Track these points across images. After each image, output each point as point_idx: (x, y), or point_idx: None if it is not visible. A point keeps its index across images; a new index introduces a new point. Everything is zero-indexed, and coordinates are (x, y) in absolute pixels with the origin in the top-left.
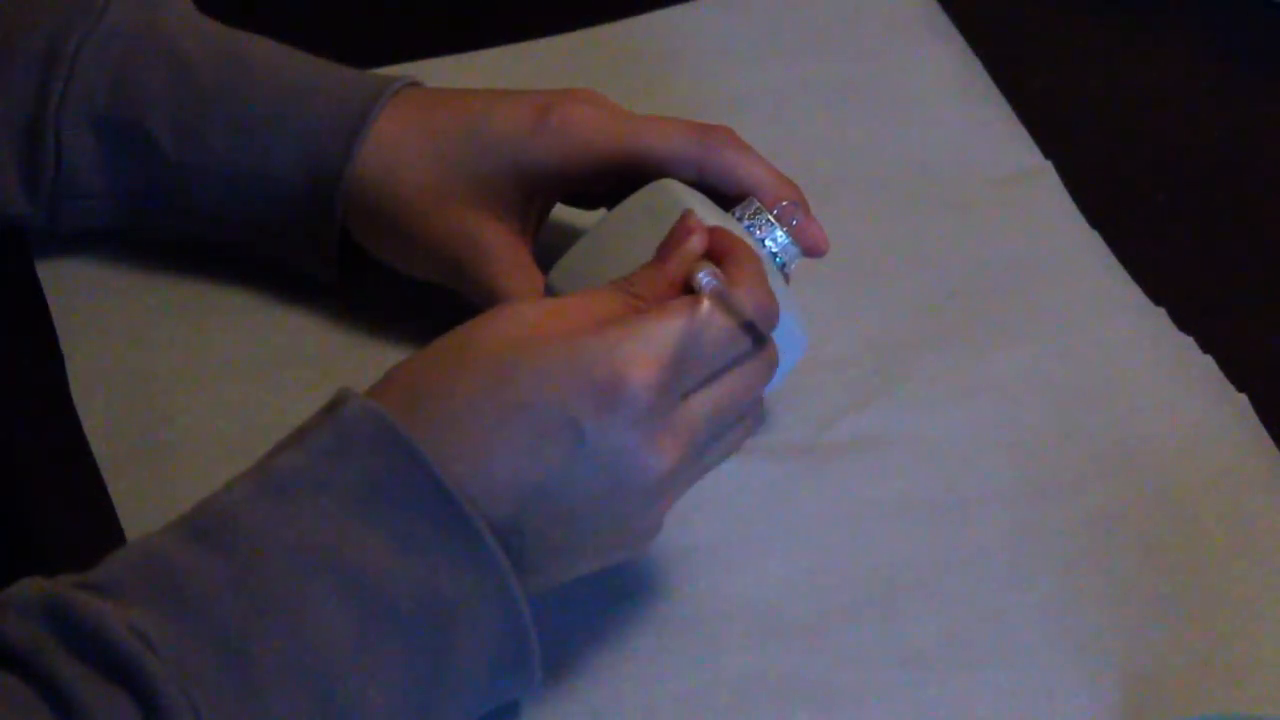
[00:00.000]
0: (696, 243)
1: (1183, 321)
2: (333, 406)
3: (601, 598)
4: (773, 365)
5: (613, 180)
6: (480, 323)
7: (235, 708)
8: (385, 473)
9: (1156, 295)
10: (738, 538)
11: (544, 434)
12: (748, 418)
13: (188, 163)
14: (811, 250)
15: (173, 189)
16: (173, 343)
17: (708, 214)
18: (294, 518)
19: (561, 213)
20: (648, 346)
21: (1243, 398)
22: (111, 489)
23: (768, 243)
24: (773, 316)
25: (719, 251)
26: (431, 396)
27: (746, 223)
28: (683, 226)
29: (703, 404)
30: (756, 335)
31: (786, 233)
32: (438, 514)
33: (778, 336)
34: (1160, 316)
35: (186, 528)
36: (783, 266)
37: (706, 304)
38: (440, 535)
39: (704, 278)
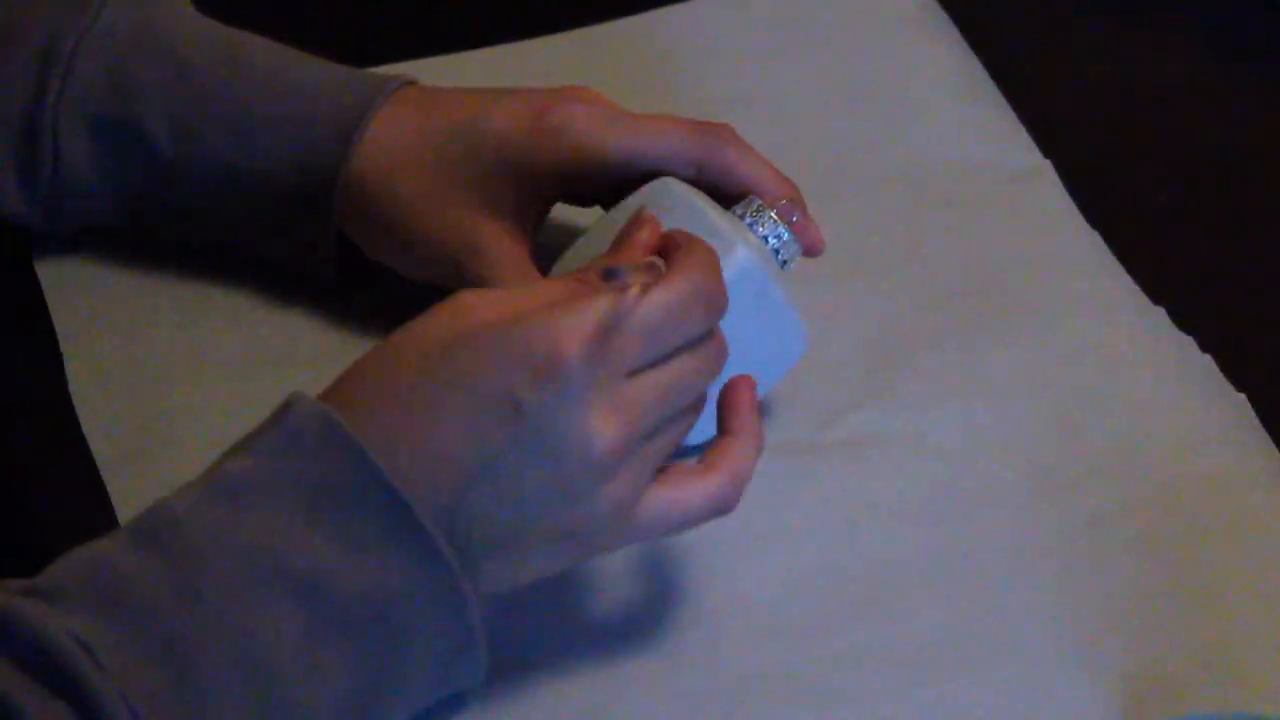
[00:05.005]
0: (648, 234)
1: (1183, 321)
2: (282, 410)
3: (601, 597)
4: (722, 356)
5: (611, 179)
6: (427, 315)
7: (177, 714)
8: (333, 474)
9: (1156, 295)
10: (737, 537)
11: (483, 410)
12: (691, 413)
13: (184, 161)
14: (809, 249)
15: (170, 188)
16: (173, 342)
17: (709, 210)
18: (241, 521)
19: (561, 212)
20: (582, 320)
21: (1242, 398)
22: (111, 489)
23: (770, 239)
24: (718, 303)
25: (672, 246)
26: (376, 388)
27: (748, 220)
28: (636, 220)
29: (647, 384)
30: (610, 276)
31: (787, 229)
32: (386, 515)
33: (778, 335)
34: (1160, 316)
35: (133, 533)
36: (784, 263)
37: (634, 286)
38: (389, 536)
39: (618, 269)
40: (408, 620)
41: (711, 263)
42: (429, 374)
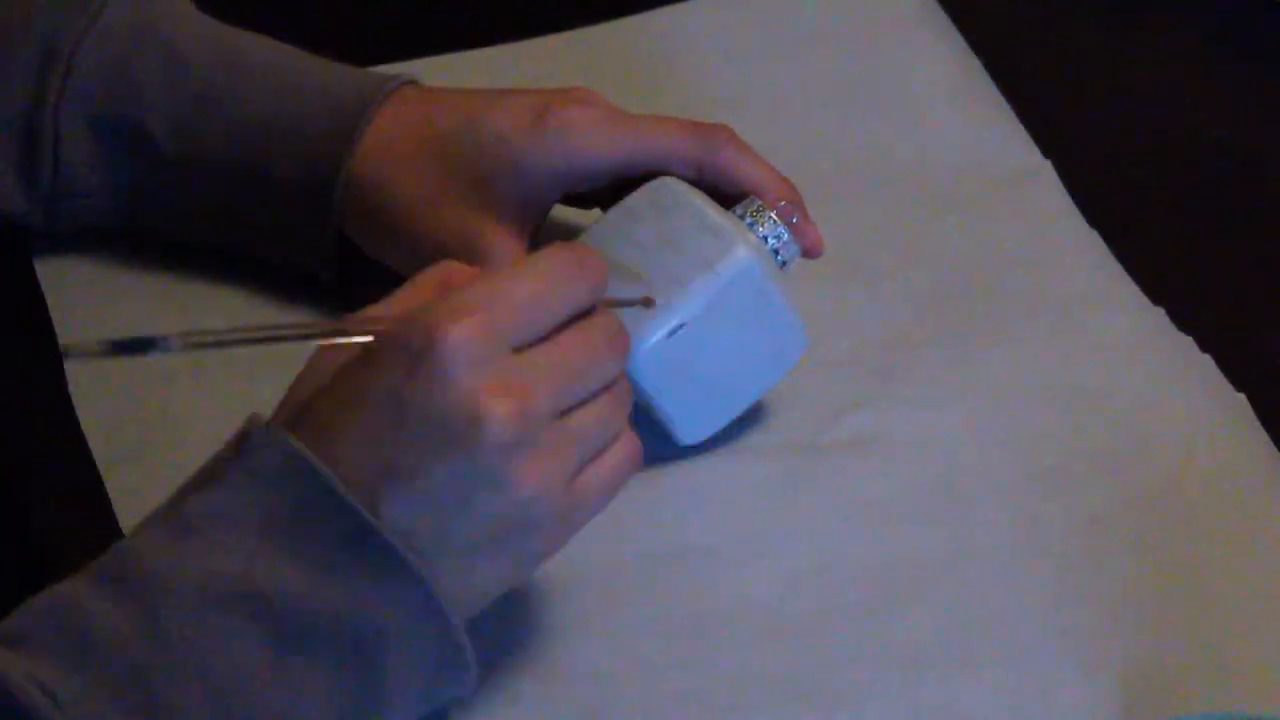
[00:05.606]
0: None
1: (1182, 321)
2: (240, 438)
3: (599, 597)
4: (619, 336)
5: (611, 180)
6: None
7: None
8: (295, 501)
9: (1156, 295)
10: (737, 537)
11: (372, 417)
12: (614, 390)
13: (185, 161)
14: (809, 251)
15: (170, 187)
16: None
17: (709, 210)
18: (203, 555)
19: (561, 213)
20: (454, 304)
21: (1242, 398)
22: (111, 489)
23: (769, 240)
24: (596, 268)
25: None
26: (302, 401)
27: (749, 220)
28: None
29: (536, 358)
30: None
31: (787, 229)
32: (352, 537)
33: (777, 335)
34: (1160, 316)
35: (96, 574)
36: (783, 264)
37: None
38: (357, 558)
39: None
40: (388, 641)
41: (578, 245)
42: (334, 383)
